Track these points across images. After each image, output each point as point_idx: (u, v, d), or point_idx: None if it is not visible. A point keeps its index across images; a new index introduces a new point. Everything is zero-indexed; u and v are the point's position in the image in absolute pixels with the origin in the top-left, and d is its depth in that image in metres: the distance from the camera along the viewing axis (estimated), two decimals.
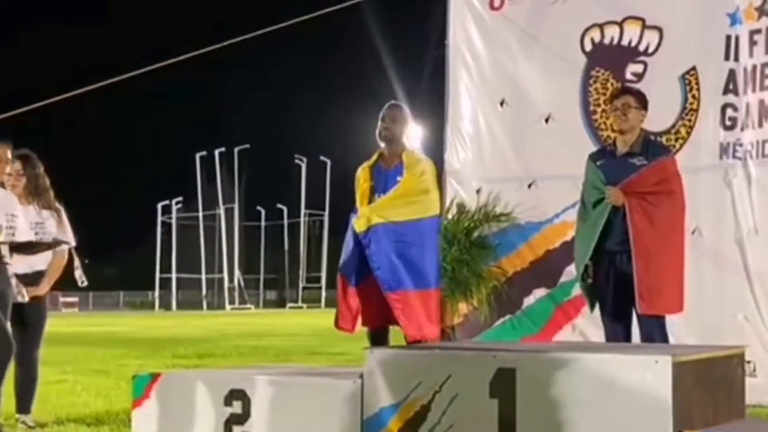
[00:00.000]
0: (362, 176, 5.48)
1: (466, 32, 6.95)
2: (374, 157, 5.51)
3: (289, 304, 54.72)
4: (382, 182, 5.40)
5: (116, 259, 62.29)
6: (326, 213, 55.53)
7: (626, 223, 5.00)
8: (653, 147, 5.18)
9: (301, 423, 4.39)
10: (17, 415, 5.30)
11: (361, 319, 5.45)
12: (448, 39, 7.08)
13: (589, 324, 6.36)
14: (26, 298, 5.17)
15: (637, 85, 5.99)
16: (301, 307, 52.31)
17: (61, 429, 5.27)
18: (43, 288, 5.39)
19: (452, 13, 7.06)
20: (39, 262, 5.37)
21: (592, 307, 5.26)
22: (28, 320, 5.31)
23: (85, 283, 5.36)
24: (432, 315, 5.38)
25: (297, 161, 56.50)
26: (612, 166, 5.10)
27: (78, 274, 5.45)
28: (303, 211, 57.22)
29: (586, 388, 3.76)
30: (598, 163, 5.16)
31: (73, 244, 5.54)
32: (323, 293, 53.31)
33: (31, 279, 5.30)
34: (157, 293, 52.99)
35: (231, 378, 4.63)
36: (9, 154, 5.25)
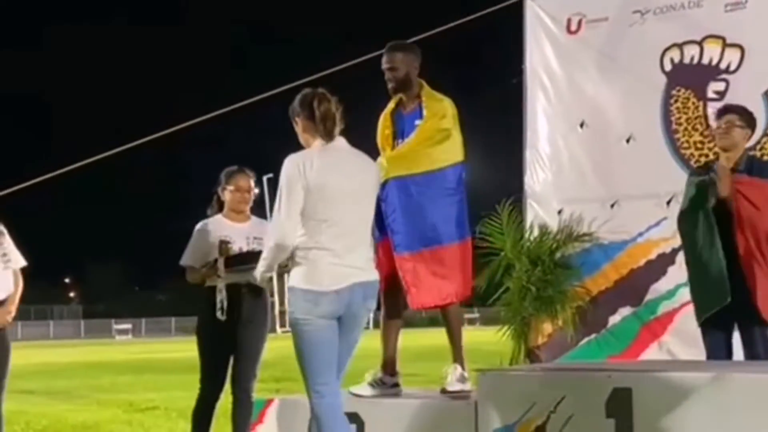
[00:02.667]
0: (382, 123, 5.05)
1: (544, 56, 7.06)
2: (392, 104, 5.06)
3: None
4: (400, 128, 5.00)
5: (167, 285, 62.97)
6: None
7: (732, 231, 4.94)
8: (758, 166, 5.17)
9: None
10: None
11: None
12: (524, 63, 7.20)
13: (677, 342, 6.39)
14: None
15: (720, 104, 6.05)
16: None
17: None
18: (12, 313, 5.00)
19: (528, 38, 7.17)
20: (6, 286, 4.99)
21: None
22: None
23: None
24: (457, 270, 4.85)
25: None
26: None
27: None
28: None
29: (706, 408, 3.80)
30: (702, 178, 5.17)
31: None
32: (371, 314, 53.29)
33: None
34: None
35: (345, 401, 4.74)
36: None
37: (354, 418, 4.64)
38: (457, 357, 4.88)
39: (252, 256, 4.87)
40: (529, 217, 6.98)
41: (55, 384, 11.67)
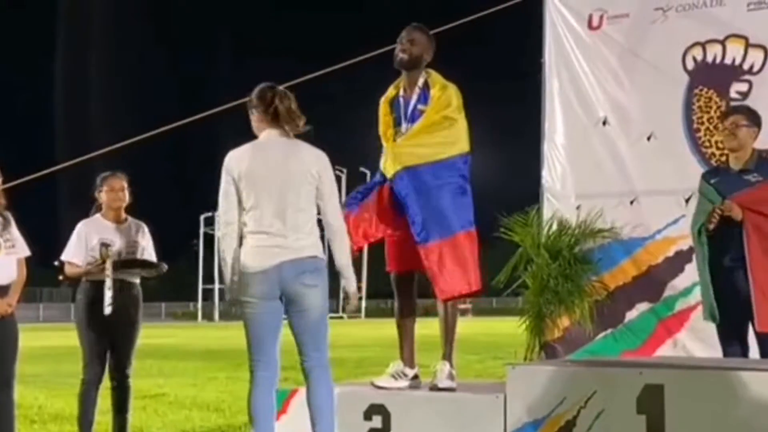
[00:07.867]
0: (383, 110, 5.07)
1: (564, 51, 7.03)
2: (392, 90, 5.09)
3: (329, 314, 54.60)
4: (402, 112, 5.00)
5: None
6: None
7: (743, 238, 5.04)
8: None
9: None
10: None
11: (387, 263, 5.10)
12: (543, 57, 7.19)
13: (692, 338, 6.42)
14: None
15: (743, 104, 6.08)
16: (341, 318, 52.30)
17: None
18: (12, 305, 4.99)
19: (548, 32, 7.15)
20: (8, 273, 5.02)
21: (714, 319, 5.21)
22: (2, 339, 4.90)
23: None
24: (467, 262, 4.87)
25: (337, 172, 56.63)
26: (726, 182, 5.16)
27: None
28: None
29: (740, 405, 3.82)
30: (712, 181, 5.22)
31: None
32: (363, 303, 53.38)
33: (2, 292, 4.94)
34: (200, 304, 53.40)
35: (370, 393, 4.76)
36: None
37: (380, 409, 4.66)
38: (448, 354, 4.92)
39: (134, 263, 5.55)
40: (547, 212, 6.98)
41: (60, 368, 11.64)
